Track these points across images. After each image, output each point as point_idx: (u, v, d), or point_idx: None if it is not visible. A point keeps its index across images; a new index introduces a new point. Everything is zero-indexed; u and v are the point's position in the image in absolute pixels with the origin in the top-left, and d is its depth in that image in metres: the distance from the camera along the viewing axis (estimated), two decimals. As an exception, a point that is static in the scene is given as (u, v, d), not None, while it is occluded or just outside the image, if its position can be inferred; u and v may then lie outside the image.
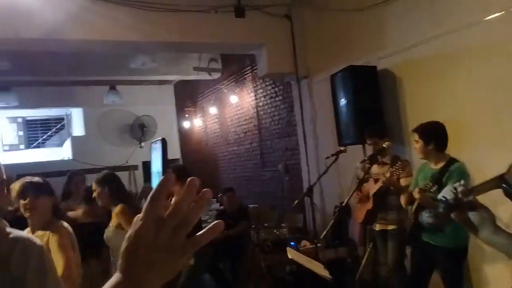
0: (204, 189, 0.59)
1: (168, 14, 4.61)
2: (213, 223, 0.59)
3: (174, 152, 9.98)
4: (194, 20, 4.78)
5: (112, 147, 9.25)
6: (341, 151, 3.49)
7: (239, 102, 7.28)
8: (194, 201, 0.58)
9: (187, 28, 4.81)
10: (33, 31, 4.00)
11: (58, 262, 2.21)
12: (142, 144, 9.38)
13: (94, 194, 3.14)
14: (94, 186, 3.15)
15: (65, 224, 2.46)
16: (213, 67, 7.70)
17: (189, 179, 0.58)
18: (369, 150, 3.93)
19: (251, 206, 6.16)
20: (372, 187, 3.63)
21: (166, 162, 0.72)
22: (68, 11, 4.33)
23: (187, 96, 9.58)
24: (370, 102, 4.10)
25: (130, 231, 0.59)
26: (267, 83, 6.49)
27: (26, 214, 2.41)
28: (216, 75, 7.90)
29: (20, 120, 10.81)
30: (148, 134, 9.48)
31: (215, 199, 6.66)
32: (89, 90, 8.85)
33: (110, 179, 3.15)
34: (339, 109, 4.35)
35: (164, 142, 0.72)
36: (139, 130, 9.49)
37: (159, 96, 9.97)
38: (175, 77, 8.46)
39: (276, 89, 6.31)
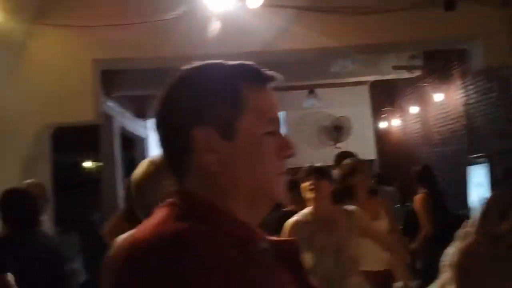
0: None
1: (378, 16, 4.60)
2: None
3: (370, 153, 9.88)
4: (399, 18, 4.67)
5: (310, 148, 9.66)
6: None
7: (444, 100, 6.81)
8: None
9: (392, 28, 4.73)
10: (251, 45, 4.46)
11: None
12: (338, 144, 9.55)
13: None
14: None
15: None
16: (414, 64, 7.38)
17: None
18: None
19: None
20: None
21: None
22: (278, 24, 4.72)
23: (384, 96, 9.39)
24: None
25: (459, 245, 0.61)
26: (479, 79, 5.92)
27: None
28: (416, 73, 7.56)
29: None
30: (344, 135, 9.62)
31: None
32: (289, 94, 9.39)
33: None
34: None
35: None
36: (335, 131, 9.70)
37: (354, 97, 10.00)
38: (372, 78, 8.39)
39: (489, 85, 5.72)
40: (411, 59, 7.36)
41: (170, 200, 0.76)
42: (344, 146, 9.56)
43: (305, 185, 2.63)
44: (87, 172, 12.18)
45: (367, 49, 5.54)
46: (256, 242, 0.73)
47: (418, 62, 7.45)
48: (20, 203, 2.59)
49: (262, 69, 0.79)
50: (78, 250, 4.97)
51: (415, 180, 5.06)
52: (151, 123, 10.44)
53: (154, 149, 10.90)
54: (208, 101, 0.74)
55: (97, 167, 12.22)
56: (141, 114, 9.61)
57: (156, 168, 1.44)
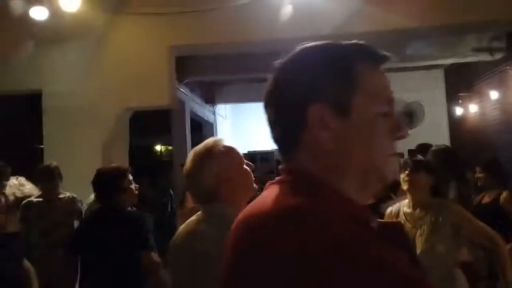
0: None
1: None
2: None
3: (444, 140, 9.45)
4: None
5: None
6: None
7: (529, 84, 6.34)
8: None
9: (474, 6, 4.45)
10: (323, 28, 4.38)
11: None
12: (409, 131, 9.21)
13: None
14: None
15: None
16: (496, 46, 6.91)
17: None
18: None
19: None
20: None
21: None
22: (350, 6, 4.60)
23: (461, 80, 8.90)
24: None
25: None
26: None
27: None
28: (498, 56, 7.08)
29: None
30: (416, 121, 9.25)
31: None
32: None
33: None
34: None
35: None
36: (406, 117, 9.35)
37: (427, 82, 9.58)
38: (448, 61, 7.96)
39: None
40: (492, 40, 6.90)
41: (281, 177, 0.78)
42: (415, 132, 9.23)
43: (402, 176, 2.64)
44: (159, 155, 12.67)
45: (447, 30, 5.27)
46: (369, 220, 0.73)
47: (501, 43, 6.97)
48: (113, 179, 2.75)
49: (377, 49, 0.79)
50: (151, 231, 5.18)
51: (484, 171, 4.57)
52: (218, 108, 10.67)
53: (222, 134, 11.14)
54: (324, 78, 0.75)
55: (167, 150, 12.68)
56: (209, 99, 9.82)
57: (198, 157, 1.53)
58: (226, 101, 10.43)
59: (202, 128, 10.31)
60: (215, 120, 10.59)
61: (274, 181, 0.78)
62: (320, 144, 0.74)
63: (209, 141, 1.63)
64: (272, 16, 4.37)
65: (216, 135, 10.73)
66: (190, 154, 1.59)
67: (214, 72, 7.53)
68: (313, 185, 0.72)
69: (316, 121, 0.73)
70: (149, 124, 8.94)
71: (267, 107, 0.82)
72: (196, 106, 8.89)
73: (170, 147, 12.65)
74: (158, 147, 12.61)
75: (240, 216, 0.74)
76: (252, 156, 10.32)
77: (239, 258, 0.69)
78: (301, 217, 0.63)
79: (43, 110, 4.56)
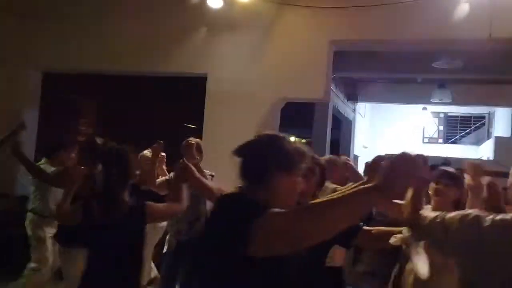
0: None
1: None
2: None
3: None
4: None
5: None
6: None
7: None
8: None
9: None
10: (504, 30, 4.01)
11: None
12: None
13: None
14: None
15: None
16: None
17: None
18: None
19: None
20: None
21: None
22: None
23: None
24: None
25: None
26: None
27: None
28: None
29: (442, 115, 11.34)
30: None
31: None
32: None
33: None
34: None
35: None
36: None
37: None
38: None
39: None
40: None
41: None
42: None
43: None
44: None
45: None
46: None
47: None
48: None
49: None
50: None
51: None
52: (360, 106, 10.48)
53: (359, 132, 10.93)
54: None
55: (302, 143, 12.82)
56: (352, 97, 9.68)
57: None
58: (368, 99, 10.20)
59: (340, 125, 10.24)
60: (354, 118, 10.44)
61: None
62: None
63: None
64: (444, 14, 4.14)
65: (354, 133, 10.58)
66: None
67: (358, 69, 7.41)
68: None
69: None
70: (289, 114, 9.17)
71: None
72: (339, 102, 8.84)
73: (303, 140, 12.78)
74: (292, 138, 12.84)
75: None
76: (390, 159, 9.99)
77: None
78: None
79: (206, 93, 4.92)
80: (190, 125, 7.02)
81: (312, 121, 8.39)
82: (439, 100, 8.01)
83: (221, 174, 4.70)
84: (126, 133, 6.67)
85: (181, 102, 6.20)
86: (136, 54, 5.08)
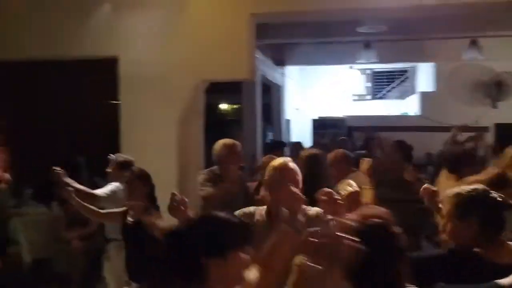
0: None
1: None
2: None
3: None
4: None
5: (462, 105, 8.68)
6: None
7: None
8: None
9: None
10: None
11: None
12: (497, 104, 8.45)
13: None
14: None
15: None
16: None
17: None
18: None
19: None
20: None
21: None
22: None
23: None
24: None
25: None
26: None
27: None
28: None
29: (368, 72, 11.44)
30: (505, 94, 8.44)
31: None
32: (445, 44, 8.37)
33: None
34: None
35: None
36: (495, 88, 8.55)
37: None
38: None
39: None
40: None
41: None
42: (503, 107, 8.44)
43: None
44: (224, 114, 12.57)
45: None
46: None
47: None
48: None
49: None
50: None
51: None
52: (288, 70, 10.28)
53: (289, 96, 10.79)
54: None
55: (233, 109, 12.54)
56: (279, 62, 9.46)
57: None
58: (295, 63, 10.01)
59: (270, 90, 10.03)
60: (283, 82, 10.24)
61: None
62: None
63: None
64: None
65: (284, 97, 10.42)
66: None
67: (287, 36, 7.18)
68: None
69: None
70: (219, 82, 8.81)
71: None
72: (266, 68, 8.57)
73: (235, 106, 12.51)
74: (223, 106, 12.49)
75: None
76: (321, 123, 9.96)
77: None
78: None
79: (119, 78, 4.43)
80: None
81: (241, 86, 8.12)
82: (365, 60, 7.96)
83: (142, 165, 4.37)
84: (33, 125, 6.06)
85: (91, 89, 5.62)
86: (36, 39, 4.45)
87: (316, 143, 8.88)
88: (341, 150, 4.32)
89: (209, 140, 4.56)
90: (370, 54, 7.79)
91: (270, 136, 10.17)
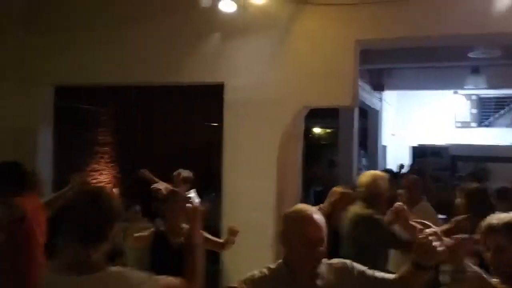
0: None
1: None
2: None
3: None
4: None
5: None
6: None
7: None
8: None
9: None
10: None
11: None
12: None
13: None
14: None
15: None
16: None
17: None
18: None
19: None
20: None
21: None
22: None
23: None
24: None
25: None
26: None
27: None
28: None
29: (474, 97, 10.76)
30: None
31: None
32: None
33: None
34: None
35: None
36: None
37: None
38: None
39: None
40: None
41: None
42: None
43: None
44: (318, 138, 12.56)
45: None
46: None
47: None
48: None
49: None
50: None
51: None
52: (385, 94, 10.02)
53: (387, 120, 10.48)
54: None
55: (327, 133, 12.48)
56: (377, 86, 9.27)
57: None
58: (394, 88, 9.72)
59: (367, 114, 9.85)
60: (381, 107, 10.00)
61: None
62: None
63: None
64: (478, 8, 3.73)
65: (381, 122, 10.15)
66: None
67: (388, 61, 7.03)
68: None
69: None
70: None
71: None
72: (364, 93, 8.43)
73: (328, 130, 12.42)
74: (317, 130, 12.49)
75: None
76: (422, 150, 9.51)
77: None
78: None
79: (224, 103, 4.61)
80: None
81: (338, 110, 8.08)
82: (473, 86, 7.50)
83: (244, 188, 4.48)
84: (143, 146, 6.50)
85: (197, 114, 5.92)
86: (148, 64, 4.80)
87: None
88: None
89: (303, 163, 4.60)
90: (479, 79, 7.34)
91: (363, 161, 9.93)
